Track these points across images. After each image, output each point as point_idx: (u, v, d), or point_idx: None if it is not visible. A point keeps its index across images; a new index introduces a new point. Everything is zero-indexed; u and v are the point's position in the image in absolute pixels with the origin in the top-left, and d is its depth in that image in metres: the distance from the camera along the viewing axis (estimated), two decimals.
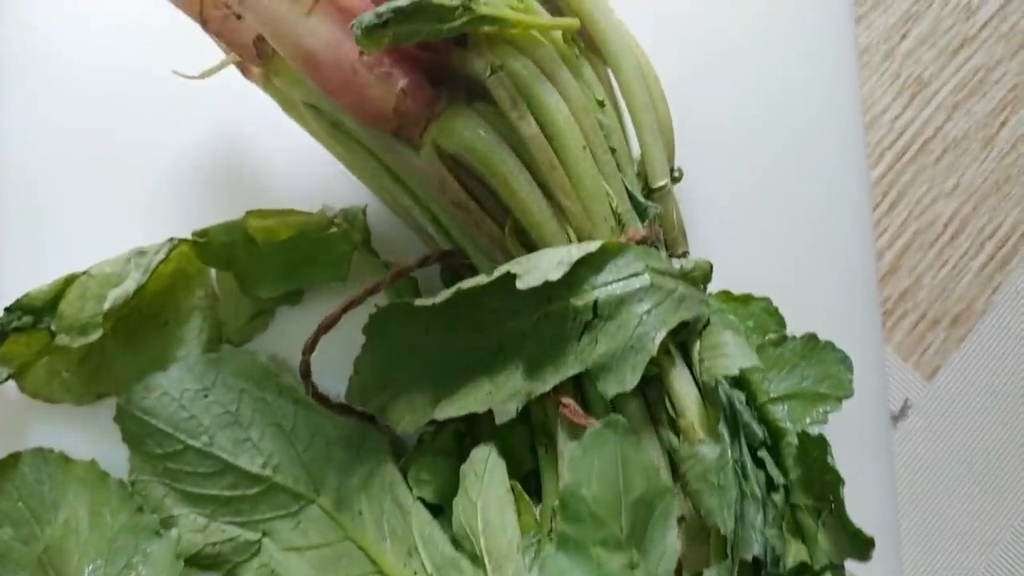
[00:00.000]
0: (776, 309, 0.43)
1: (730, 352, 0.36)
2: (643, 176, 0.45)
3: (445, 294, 0.40)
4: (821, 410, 0.38)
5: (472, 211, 0.41)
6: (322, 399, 0.47)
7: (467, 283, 0.40)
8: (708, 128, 0.53)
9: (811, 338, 0.40)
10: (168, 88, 0.48)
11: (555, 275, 0.38)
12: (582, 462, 0.30)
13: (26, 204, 0.52)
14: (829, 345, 0.39)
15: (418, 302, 0.41)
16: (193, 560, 0.49)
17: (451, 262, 0.44)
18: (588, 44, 0.44)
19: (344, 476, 0.49)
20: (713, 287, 0.45)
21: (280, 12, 0.37)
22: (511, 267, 0.39)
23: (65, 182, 0.52)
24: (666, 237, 0.45)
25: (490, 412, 0.42)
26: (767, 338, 0.41)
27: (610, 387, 0.37)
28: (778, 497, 0.36)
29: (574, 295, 0.39)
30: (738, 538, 0.33)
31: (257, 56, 0.41)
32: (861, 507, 0.52)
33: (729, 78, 0.55)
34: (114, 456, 0.49)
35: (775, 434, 0.38)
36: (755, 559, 0.34)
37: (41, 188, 0.52)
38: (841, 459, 0.52)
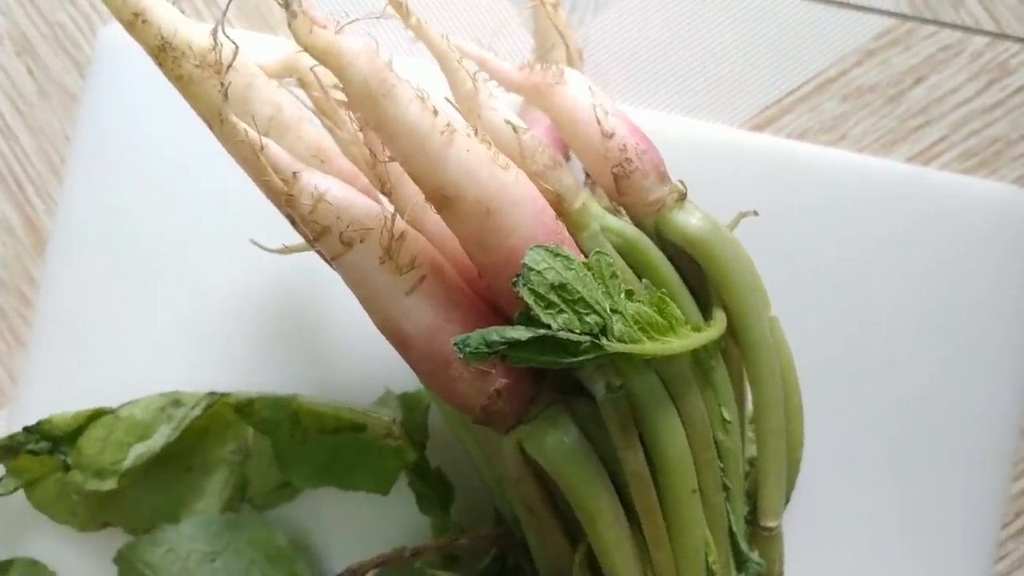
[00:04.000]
0: None
1: None
2: (752, 497, 0.38)
3: None
4: None
5: (544, 520, 0.35)
6: None
7: None
8: (839, 399, 0.47)
9: None
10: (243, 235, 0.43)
11: None
12: None
13: (69, 318, 0.47)
14: None
15: None
16: None
17: (507, 544, 0.38)
18: (731, 337, 0.37)
19: None
20: None
21: (378, 285, 0.31)
22: None
23: (115, 303, 0.47)
24: None
25: None
26: None
27: None
28: None
29: None
30: None
31: None
32: None
33: (879, 360, 0.48)
34: None
35: None
36: None
37: (89, 303, 0.47)
38: None
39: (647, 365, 0.33)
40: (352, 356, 0.47)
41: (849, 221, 0.49)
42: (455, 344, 0.28)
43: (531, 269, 0.29)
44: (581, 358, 0.30)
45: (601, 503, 0.33)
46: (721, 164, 0.48)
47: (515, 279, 0.29)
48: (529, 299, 0.29)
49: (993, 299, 0.49)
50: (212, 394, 0.45)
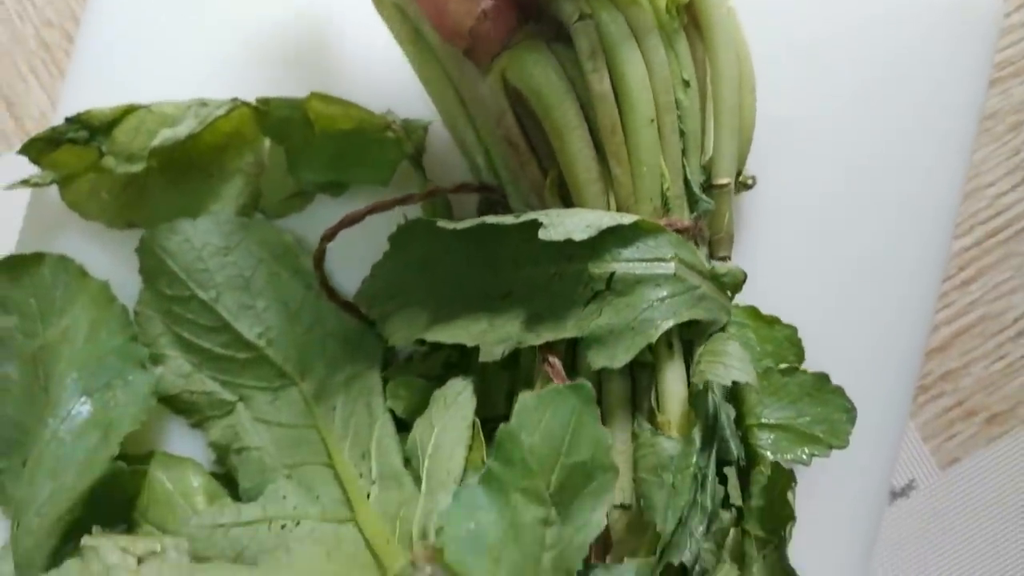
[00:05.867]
0: (799, 341, 0.40)
1: (730, 363, 0.35)
2: (708, 170, 0.43)
3: (469, 223, 0.39)
4: (808, 451, 0.36)
5: (521, 151, 0.40)
6: (330, 290, 0.47)
7: (492, 218, 0.39)
8: (792, 138, 0.51)
9: (822, 378, 0.37)
10: None
11: (579, 235, 0.37)
12: (532, 412, 0.29)
13: (109, 49, 0.53)
14: (839, 391, 0.37)
15: (440, 223, 0.40)
16: (168, 401, 0.50)
17: (490, 197, 0.43)
18: (692, 22, 0.42)
19: (332, 370, 0.50)
20: (745, 301, 0.44)
21: None
22: (540, 216, 0.38)
23: (152, 33, 0.53)
24: (711, 237, 0.43)
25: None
26: (779, 366, 0.39)
27: (599, 359, 0.36)
28: (728, 516, 0.34)
29: (594, 261, 0.38)
30: (672, 541, 0.31)
31: None
32: (824, 562, 0.50)
33: (832, 96, 0.52)
34: (128, 285, 0.50)
35: (751, 458, 0.36)
36: (682, 565, 0.33)
37: (125, 39, 0.53)
38: (826, 513, 0.49)
39: (612, 5, 0.38)
40: (358, 81, 0.52)
41: None
42: None
43: None
44: None
45: (571, 117, 0.38)
46: None
47: None
48: None
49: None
50: (235, 100, 0.50)
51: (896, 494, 0.52)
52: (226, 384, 0.50)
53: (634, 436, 0.35)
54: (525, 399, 0.31)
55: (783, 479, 0.33)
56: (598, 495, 0.29)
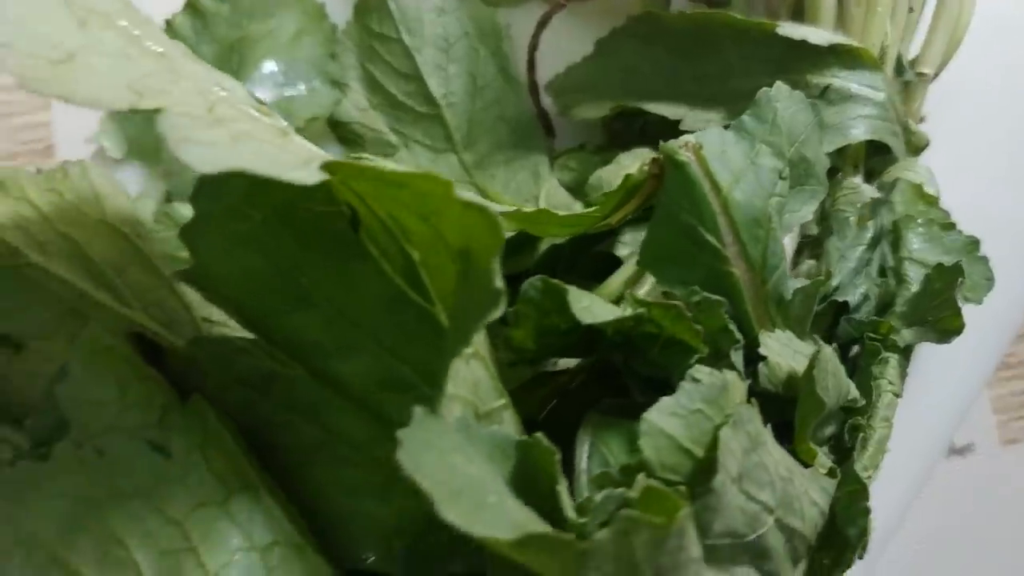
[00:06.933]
0: (952, 225, 0.44)
1: (919, 172, 0.38)
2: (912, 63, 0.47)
3: (697, 11, 0.43)
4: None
5: None
6: (532, 60, 0.50)
7: (724, 12, 0.43)
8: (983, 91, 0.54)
9: (974, 242, 0.41)
10: None
11: (815, 40, 0.40)
12: (787, 97, 0.32)
13: None
14: (985, 260, 0.40)
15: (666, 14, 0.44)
16: (335, 126, 0.53)
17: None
18: None
19: (496, 149, 0.53)
20: None
21: None
22: (776, 22, 0.42)
23: None
24: None
25: None
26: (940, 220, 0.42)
27: None
28: (892, 284, 0.37)
29: (812, 71, 0.41)
30: (840, 283, 0.34)
31: None
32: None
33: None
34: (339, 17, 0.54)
35: (897, 278, 0.39)
36: (845, 303, 0.35)
37: None
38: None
39: None
40: None
41: None
42: None
43: None
44: None
45: None
46: None
47: None
48: None
49: None
50: None
51: (954, 451, 0.55)
52: (396, 132, 0.53)
53: (834, 184, 0.38)
54: (781, 84, 0.34)
55: (946, 276, 0.35)
56: (811, 195, 0.32)
